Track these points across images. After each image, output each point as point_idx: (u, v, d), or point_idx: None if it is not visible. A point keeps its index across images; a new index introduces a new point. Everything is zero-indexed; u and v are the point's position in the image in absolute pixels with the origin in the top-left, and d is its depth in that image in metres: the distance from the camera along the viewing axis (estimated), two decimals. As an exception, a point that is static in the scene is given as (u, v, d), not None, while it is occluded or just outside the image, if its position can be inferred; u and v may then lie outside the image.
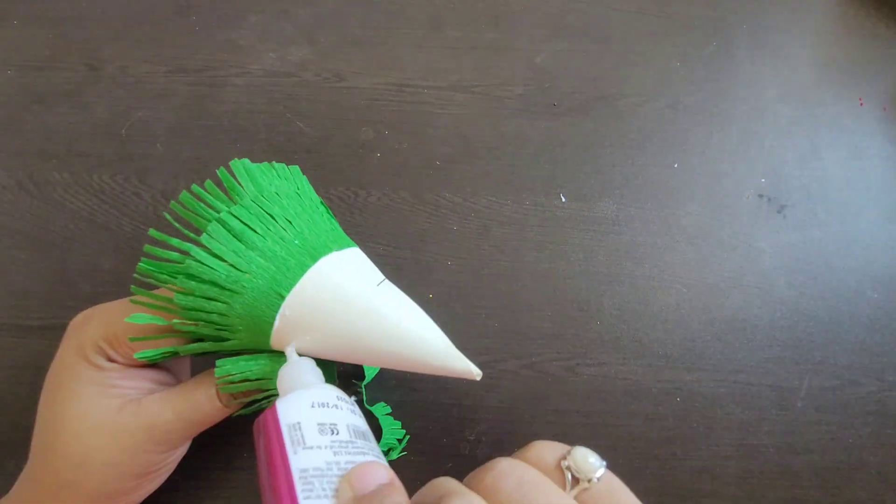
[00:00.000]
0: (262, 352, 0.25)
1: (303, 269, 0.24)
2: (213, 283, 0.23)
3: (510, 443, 0.33)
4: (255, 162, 0.27)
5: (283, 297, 0.24)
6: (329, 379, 0.30)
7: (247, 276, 0.23)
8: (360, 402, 0.33)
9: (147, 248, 0.24)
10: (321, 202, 0.29)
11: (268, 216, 0.25)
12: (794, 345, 0.36)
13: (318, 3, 0.43)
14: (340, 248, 0.26)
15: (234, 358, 0.25)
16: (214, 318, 0.24)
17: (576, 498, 0.19)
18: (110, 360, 0.25)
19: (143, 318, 0.24)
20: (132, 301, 0.24)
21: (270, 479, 0.18)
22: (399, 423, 0.32)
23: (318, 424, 0.19)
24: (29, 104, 0.39)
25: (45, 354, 0.26)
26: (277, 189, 0.26)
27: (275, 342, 0.25)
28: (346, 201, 0.38)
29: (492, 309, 0.35)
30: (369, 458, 0.19)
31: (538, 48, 0.43)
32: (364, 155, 0.39)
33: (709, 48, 0.43)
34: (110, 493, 0.25)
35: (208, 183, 0.25)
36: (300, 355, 0.25)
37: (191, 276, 0.23)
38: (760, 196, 0.39)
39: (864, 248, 0.38)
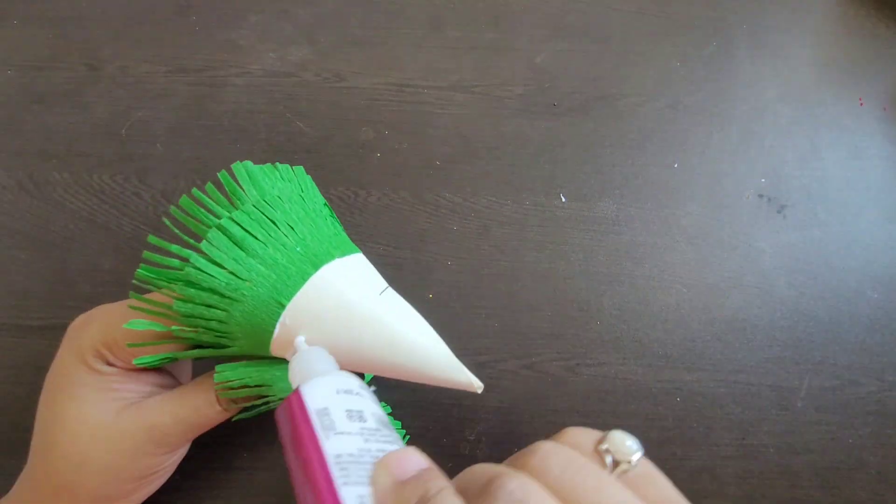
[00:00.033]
0: (261, 358, 0.25)
1: (304, 277, 0.24)
2: (213, 291, 0.23)
3: (510, 443, 0.33)
4: (257, 162, 0.27)
5: (283, 306, 0.23)
6: None
7: (247, 283, 0.23)
8: None
9: (146, 254, 0.23)
10: (325, 204, 0.28)
11: (269, 222, 0.24)
12: (794, 345, 0.36)
13: (318, 3, 0.43)
14: (343, 254, 0.25)
15: (234, 364, 0.25)
16: (214, 325, 0.24)
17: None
18: (109, 364, 0.25)
19: (141, 324, 0.24)
20: (130, 307, 0.24)
21: (304, 468, 0.17)
22: (399, 423, 0.32)
23: (346, 411, 0.19)
24: (29, 104, 0.39)
25: (45, 354, 0.26)
26: (280, 192, 0.26)
27: (275, 349, 0.24)
28: (346, 201, 0.38)
29: (492, 309, 0.35)
30: (398, 446, 0.19)
31: (538, 48, 0.43)
32: (364, 155, 0.39)
33: (709, 48, 0.43)
34: (109, 495, 0.25)
35: (209, 186, 0.24)
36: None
37: (190, 284, 0.23)
38: (760, 196, 0.39)
39: (864, 248, 0.38)
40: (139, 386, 0.26)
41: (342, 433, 0.18)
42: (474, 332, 0.35)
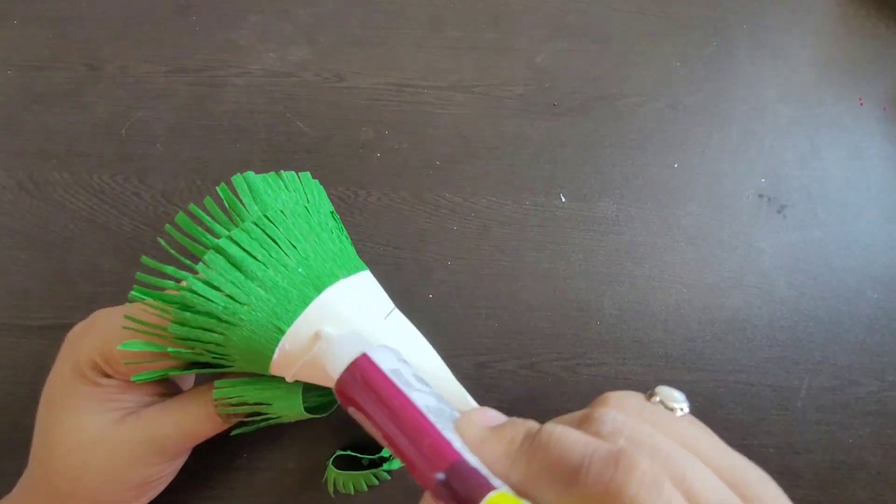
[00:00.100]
0: (261, 376, 0.25)
1: (305, 301, 0.22)
2: (210, 315, 0.22)
3: (510, 443, 0.33)
4: (257, 162, 0.26)
5: (282, 332, 0.22)
6: (332, 396, 0.30)
7: (245, 308, 0.22)
8: None
9: (139, 276, 0.22)
10: (332, 213, 0.27)
11: (270, 241, 0.23)
12: (794, 345, 0.36)
13: (318, 3, 0.43)
14: (349, 273, 0.24)
15: (233, 380, 0.24)
16: (211, 347, 0.23)
17: None
18: (107, 375, 0.24)
19: (136, 345, 0.23)
20: (125, 328, 0.23)
21: (401, 414, 0.17)
22: None
23: (413, 375, 0.19)
24: (29, 104, 0.39)
25: (45, 354, 0.26)
26: (284, 205, 0.24)
27: (274, 370, 0.24)
28: (346, 201, 0.38)
29: (492, 309, 0.35)
30: (462, 409, 0.19)
31: (538, 48, 0.43)
32: (364, 155, 0.39)
33: (709, 48, 0.43)
34: (109, 503, 0.25)
35: (207, 201, 0.23)
36: (296, 381, 0.24)
37: (185, 307, 0.22)
38: (760, 196, 0.39)
39: (864, 248, 0.38)
40: (138, 396, 0.25)
41: (420, 391, 0.18)
42: (474, 332, 0.35)
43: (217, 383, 0.25)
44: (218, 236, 0.22)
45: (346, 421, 0.32)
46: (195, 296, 0.22)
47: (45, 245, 0.36)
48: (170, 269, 0.22)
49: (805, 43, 0.44)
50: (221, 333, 0.22)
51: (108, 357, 0.24)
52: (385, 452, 0.31)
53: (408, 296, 0.35)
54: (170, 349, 0.23)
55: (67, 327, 0.26)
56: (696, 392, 0.34)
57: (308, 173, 0.27)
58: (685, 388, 0.34)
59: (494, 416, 0.18)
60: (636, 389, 0.34)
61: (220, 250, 0.22)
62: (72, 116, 0.39)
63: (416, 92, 0.41)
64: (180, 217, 0.22)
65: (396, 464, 0.30)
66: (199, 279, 0.22)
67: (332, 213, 0.27)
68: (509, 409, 0.33)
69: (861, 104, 0.42)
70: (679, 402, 0.19)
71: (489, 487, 0.15)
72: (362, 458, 0.30)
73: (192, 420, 0.25)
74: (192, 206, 0.23)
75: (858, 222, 0.39)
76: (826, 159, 0.40)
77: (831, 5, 0.45)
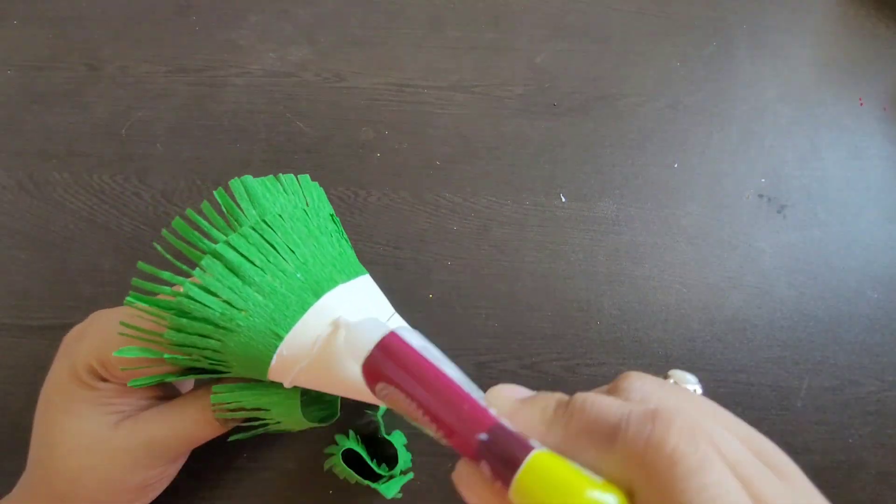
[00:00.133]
0: (259, 381, 0.25)
1: (304, 307, 0.22)
2: (207, 321, 0.22)
3: (510, 443, 0.33)
4: (257, 162, 0.26)
5: (280, 338, 0.22)
6: (332, 409, 0.30)
7: (243, 314, 0.22)
8: (376, 431, 0.32)
9: (135, 281, 0.22)
10: (331, 216, 0.27)
11: (268, 245, 0.22)
12: (794, 345, 0.36)
13: (318, 3, 0.43)
14: (348, 278, 0.24)
15: (231, 385, 0.24)
16: (208, 353, 0.23)
17: None
18: (104, 379, 0.24)
19: (132, 351, 0.22)
20: (121, 334, 0.23)
21: (435, 383, 0.17)
22: (409, 455, 0.32)
23: (441, 352, 0.19)
24: (29, 104, 0.39)
25: (45, 354, 0.26)
26: (282, 209, 0.24)
27: (272, 376, 0.23)
28: (346, 201, 0.38)
29: (492, 309, 0.35)
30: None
31: (538, 48, 0.43)
32: (364, 155, 0.39)
33: (709, 48, 0.43)
34: None
35: (205, 205, 0.23)
36: (294, 387, 0.24)
37: (182, 313, 0.22)
38: (760, 196, 0.39)
39: (864, 248, 0.38)
40: (135, 399, 0.25)
41: (448, 365, 0.18)
42: (474, 332, 0.35)
43: (215, 388, 0.24)
44: (215, 241, 0.22)
45: (347, 421, 0.32)
46: (192, 301, 0.21)
47: (45, 245, 0.36)
48: (166, 275, 0.22)
49: (805, 43, 0.44)
50: (219, 339, 0.22)
51: (104, 362, 0.24)
52: (385, 470, 0.31)
53: (408, 296, 0.35)
54: (166, 355, 0.23)
55: (67, 327, 0.26)
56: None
57: (307, 176, 0.27)
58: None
59: (522, 390, 0.18)
60: (636, 389, 0.34)
61: (217, 255, 0.22)
62: (72, 116, 0.39)
63: (416, 92, 0.41)
64: (177, 222, 0.22)
65: (392, 490, 0.30)
66: (196, 284, 0.21)
67: (331, 215, 0.27)
68: (509, 409, 0.33)
69: (861, 104, 0.42)
70: (692, 383, 0.20)
71: (531, 448, 0.15)
72: (369, 462, 0.30)
73: (189, 424, 0.25)
74: (189, 211, 0.23)
75: (858, 222, 0.39)
76: (826, 159, 0.40)
77: (831, 5, 0.46)
